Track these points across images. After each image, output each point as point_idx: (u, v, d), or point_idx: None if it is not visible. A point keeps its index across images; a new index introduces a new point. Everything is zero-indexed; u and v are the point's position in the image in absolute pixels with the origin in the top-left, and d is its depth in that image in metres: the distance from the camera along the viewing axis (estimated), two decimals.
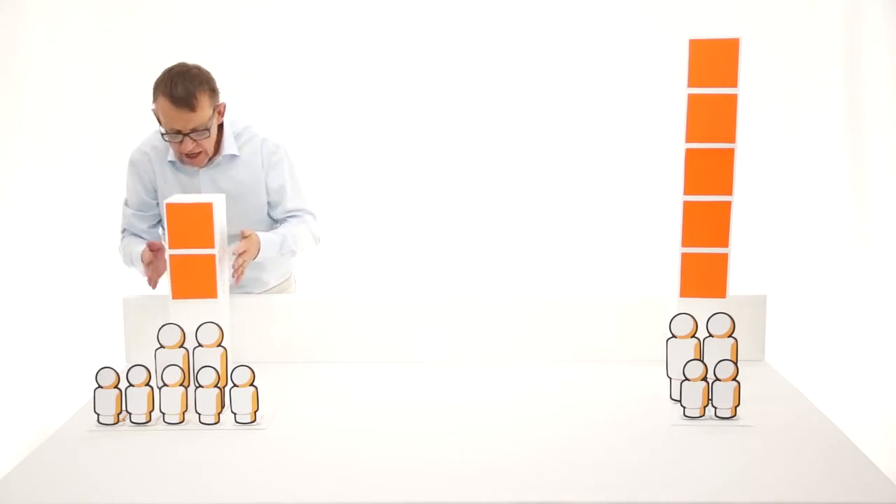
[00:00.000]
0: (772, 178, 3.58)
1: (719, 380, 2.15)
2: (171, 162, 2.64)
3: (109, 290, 3.53)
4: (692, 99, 2.25)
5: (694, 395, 2.16)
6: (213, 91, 2.55)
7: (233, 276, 2.44)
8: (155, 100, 2.51)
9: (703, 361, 2.19)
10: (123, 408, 2.16)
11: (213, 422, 2.16)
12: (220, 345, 2.21)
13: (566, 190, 3.70)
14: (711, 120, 2.25)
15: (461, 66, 3.62)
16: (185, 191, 2.66)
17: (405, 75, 3.62)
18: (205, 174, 2.66)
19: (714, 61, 2.23)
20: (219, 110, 2.58)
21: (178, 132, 2.50)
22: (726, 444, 2.05)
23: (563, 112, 3.64)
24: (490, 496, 1.83)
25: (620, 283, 3.64)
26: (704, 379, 2.16)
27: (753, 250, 3.55)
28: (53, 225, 3.38)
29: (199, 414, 2.16)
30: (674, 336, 2.26)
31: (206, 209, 2.23)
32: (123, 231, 2.75)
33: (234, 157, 2.65)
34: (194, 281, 2.25)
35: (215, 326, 2.21)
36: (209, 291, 2.26)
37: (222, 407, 2.17)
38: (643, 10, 3.56)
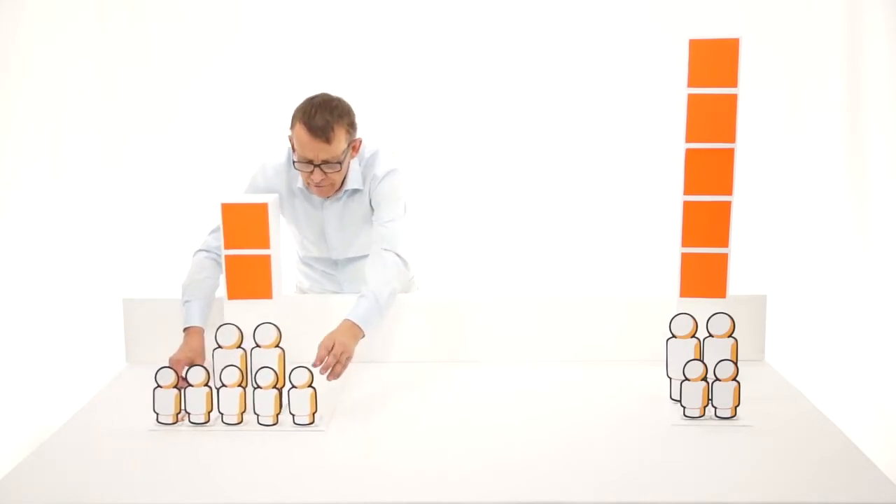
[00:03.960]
0: (772, 178, 3.58)
1: (719, 380, 2.15)
2: (300, 188, 2.59)
3: (109, 290, 3.53)
4: (692, 99, 2.25)
5: (694, 395, 2.16)
6: (352, 125, 2.49)
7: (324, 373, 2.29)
8: (292, 126, 2.47)
9: (703, 361, 2.19)
10: (182, 408, 2.16)
11: (271, 423, 2.16)
12: (278, 346, 2.21)
13: (566, 190, 3.70)
14: (711, 120, 2.25)
15: (461, 66, 3.62)
16: (308, 219, 2.64)
17: (406, 76, 3.62)
18: (329, 207, 2.62)
19: (714, 61, 2.23)
20: (354, 145, 2.51)
21: (310, 162, 2.45)
22: (726, 444, 2.05)
23: (564, 112, 3.64)
24: (490, 496, 1.83)
25: (620, 283, 3.64)
26: (704, 379, 2.16)
27: (753, 250, 3.55)
28: (53, 225, 3.38)
29: (258, 415, 2.16)
30: (674, 336, 2.26)
31: (262, 209, 2.22)
32: (213, 231, 2.60)
33: (356, 191, 2.60)
34: (249, 281, 2.24)
35: (273, 327, 2.20)
36: (264, 292, 2.25)
37: (280, 408, 2.17)
38: (643, 10, 3.56)
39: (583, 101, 3.62)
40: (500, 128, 3.67)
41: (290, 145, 2.53)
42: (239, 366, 2.17)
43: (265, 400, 2.15)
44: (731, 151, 2.26)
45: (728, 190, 2.27)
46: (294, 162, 2.49)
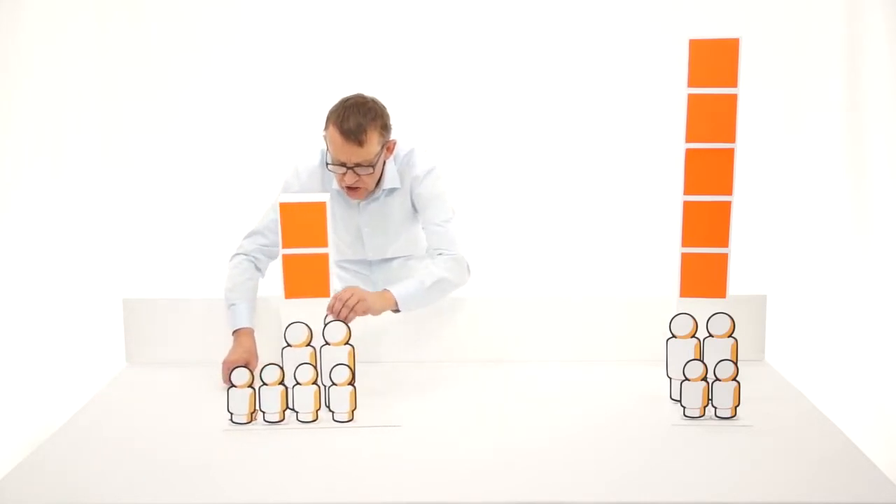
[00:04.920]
0: (772, 178, 3.58)
1: (719, 380, 2.15)
2: (334, 189, 2.59)
3: (109, 290, 3.53)
4: (692, 99, 2.25)
5: (694, 395, 2.16)
6: (385, 127, 2.48)
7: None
8: (326, 127, 2.46)
9: (703, 361, 2.19)
10: (257, 406, 2.17)
11: (347, 419, 2.17)
12: (347, 343, 2.21)
13: (566, 190, 3.70)
14: (711, 120, 2.25)
15: (461, 66, 3.62)
16: (344, 220, 2.64)
17: (406, 77, 3.62)
18: (365, 208, 2.62)
19: (714, 61, 2.23)
20: (388, 147, 2.51)
21: (343, 164, 2.45)
22: (726, 444, 2.05)
23: (564, 112, 3.64)
24: (490, 496, 1.83)
25: (620, 283, 3.64)
26: (704, 379, 2.16)
27: (753, 250, 3.55)
28: (53, 225, 3.38)
29: (333, 412, 2.17)
30: (674, 336, 2.26)
31: (320, 208, 2.23)
32: (249, 236, 2.62)
33: (393, 189, 2.59)
34: (307, 280, 2.25)
35: (342, 325, 2.21)
36: (322, 291, 2.26)
37: (355, 405, 2.18)
38: (643, 10, 3.56)
39: (583, 101, 3.62)
40: (500, 128, 3.67)
41: (324, 146, 2.52)
42: (312, 363, 2.19)
43: (340, 397, 2.17)
44: (731, 151, 2.26)
45: (728, 190, 2.27)
46: (327, 164, 2.49)
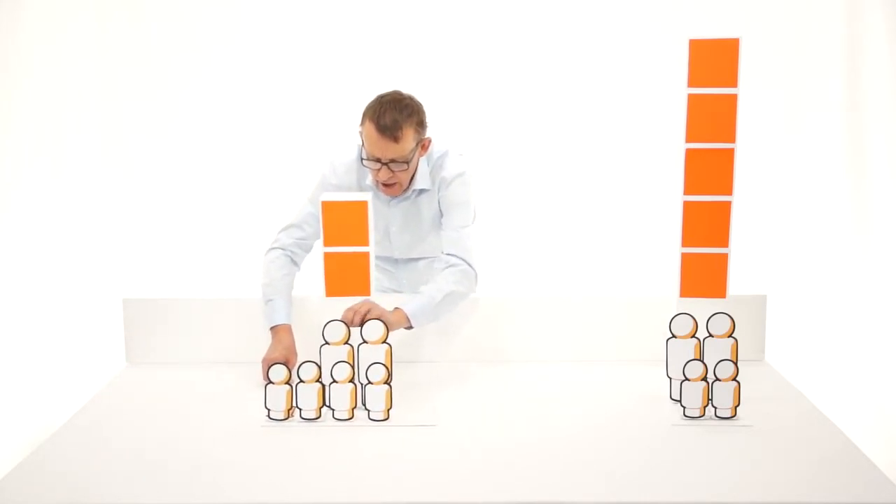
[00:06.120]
0: (772, 178, 3.58)
1: (719, 380, 2.15)
2: (369, 184, 2.59)
3: (109, 290, 3.53)
4: (692, 99, 2.25)
5: (694, 395, 2.16)
6: (421, 124, 2.48)
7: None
8: (362, 123, 2.46)
9: (703, 361, 2.19)
10: (294, 403, 2.17)
11: (382, 418, 2.18)
12: (384, 341, 2.23)
13: (566, 190, 3.70)
14: (711, 120, 2.25)
15: (461, 66, 3.62)
16: (375, 216, 2.61)
17: (406, 77, 3.61)
18: (396, 206, 2.62)
19: (714, 61, 2.23)
20: (423, 144, 2.51)
21: (378, 160, 2.45)
22: (726, 444, 2.05)
23: (564, 112, 3.64)
24: (490, 496, 1.83)
25: (620, 283, 3.64)
26: (704, 379, 2.16)
27: (753, 250, 3.55)
28: (53, 225, 3.38)
29: (369, 410, 2.18)
30: (674, 336, 2.26)
31: (362, 207, 2.23)
32: (286, 229, 2.62)
33: (423, 190, 2.60)
34: (348, 279, 2.25)
35: (380, 323, 2.23)
36: (362, 289, 2.26)
37: (391, 404, 2.19)
38: (643, 10, 3.56)
39: (583, 101, 3.62)
40: (501, 128, 3.67)
41: (360, 142, 2.53)
42: (349, 362, 2.20)
43: (377, 395, 2.17)
44: (731, 151, 2.26)
45: (728, 190, 2.27)
46: (363, 159, 2.50)
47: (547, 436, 2.11)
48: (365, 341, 2.23)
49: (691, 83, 2.24)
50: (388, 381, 2.18)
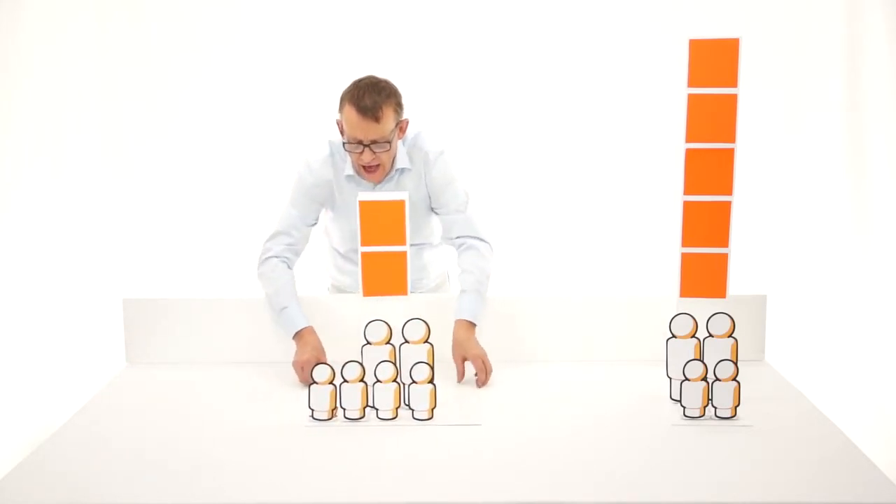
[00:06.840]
0: (772, 178, 3.58)
1: (719, 380, 2.15)
2: (348, 176, 2.60)
3: (109, 290, 3.53)
4: (692, 99, 2.25)
5: (694, 395, 2.16)
6: (399, 106, 2.52)
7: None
8: (341, 109, 2.49)
9: (703, 361, 2.19)
10: (337, 404, 2.18)
11: (426, 417, 2.18)
12: (426, 341, 2.23)
13: (566, 190, 3.70)
14: (711, 120, 2.25)
15: (461, 65, 3.62)
16: (356, 206, 2.59)
17: (406, 77, 3.60)
18: (381, 190, 2.62)
19: (714, 61, 2.23)
20: (401, 126, 2.55)
21: (360, 142, 2.47)
22: (726, 444, 2.05)
23: (564, 112, 3.64)
24: (490, 496, 1.83)
25: (620, 283, 3.64)
26: (704, 379, 2.16)
27: (753, 250, 3.55)
28: (53, 225, 3.38)
29: (412, 410, 2.18)
30: (674, 336, 2.26)
31: (399, 206, 2.23)
32: (273, 237, 2.62)
33: (405, 170, 2.61)
34: (385, 278, 2.25)
35: (422, 323, 2.23)
36: (399, 288, 2.26)
37: (435, 403, 2.19)
38: (643, 10, 3.56)
39: (583, 101, 3.62)
40: (501, 128, 3.67)
41: (338, 130, 2.54)
42: (393, 361, 2.20)
43: (420, 395, 2.18)
44: (731, 151, 2.26)
45: (728, 190, 2.27)
46: (343, 143, 2.52)
47: (546, 435, 2.11)
48: (406, 341, 2.24)
49: (691, 83, 2.24)
50: (431, 381, 2.18)
